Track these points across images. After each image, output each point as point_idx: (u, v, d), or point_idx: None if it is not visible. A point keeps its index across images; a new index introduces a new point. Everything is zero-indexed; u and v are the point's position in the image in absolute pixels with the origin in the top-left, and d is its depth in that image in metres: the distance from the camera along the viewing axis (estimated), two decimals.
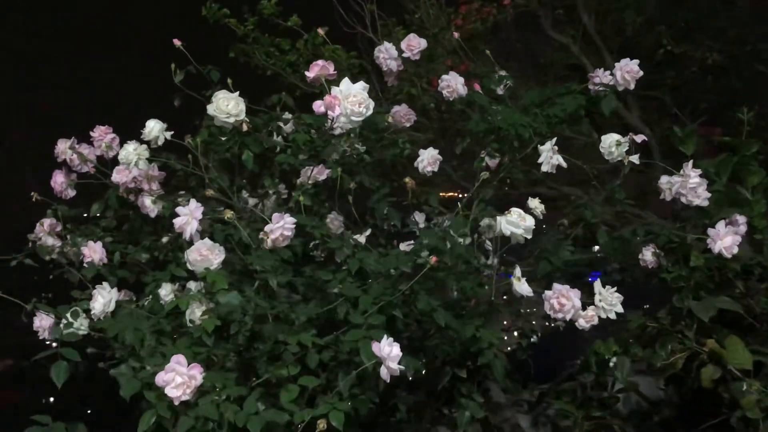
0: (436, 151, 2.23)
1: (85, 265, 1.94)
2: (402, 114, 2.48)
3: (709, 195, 1.96)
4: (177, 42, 2.13)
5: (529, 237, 1.60)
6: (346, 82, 1.58)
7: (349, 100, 1.55)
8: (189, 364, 1.27)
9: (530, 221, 1.58)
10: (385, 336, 1.36)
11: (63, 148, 2.15)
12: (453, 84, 2.11)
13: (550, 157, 1.85)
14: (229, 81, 2.05)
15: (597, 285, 1.67)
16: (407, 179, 1.83)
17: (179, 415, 1.35)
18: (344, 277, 1.73)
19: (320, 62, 1.66)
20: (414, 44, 2.23)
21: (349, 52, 4.13)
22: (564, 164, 1.89)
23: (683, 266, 2.10)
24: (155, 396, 1.36)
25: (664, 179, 1.98)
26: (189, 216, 1.57)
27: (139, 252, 2.05)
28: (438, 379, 1.91)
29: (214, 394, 1.34)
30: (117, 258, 2.12)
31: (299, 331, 1.52)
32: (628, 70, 1.99)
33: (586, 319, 1.64)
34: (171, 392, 1.25)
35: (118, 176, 2.00)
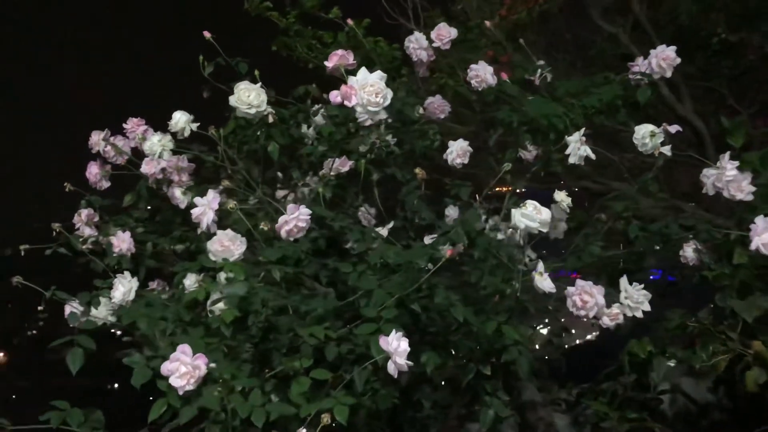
0: (466, 142, 2.18)
1: (114, 254, 1.97)
2: (436, 105, 2.44)
3: (753, 189, 1.85)
4: (207, 34, 2.13)
5: (545, 230, 1.54)
6: (363, 71, 1.55)
7: (365, 90, 1.52)
8: (197, 354, 1.27)
9: (546, 214, 1.52)
10: (394, 330, 1.33)
11: (97, 139, 2.19)
12: (482, 73, 2.05)
13: (578, 149, 1.78)
14: (256, 72, 2.05)
15: (623, 281, 1.60)
16: (417, 170, 1.79)
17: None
18: (364, 269, 1.71)
19: (339, 52, 1.64)
20: (444, 33, 2.19)
21: (392, 44, 4.10)
22: (593, 156, 1.82)
23: (726, 264, 2.00)
24: (166, 385, 1.36)
25: (705, 172, 1.89)
26: (206, 206, 1.57)
27: (168, 242, 2.07)
28: (461, 376, 1.87)
29: (219, 385, 1.33)
30: (149, 248, 2.15)
31: (312, 323, 1.50)
32: (663, 57, 1.90)
33: (610, 317, 1.57)
34: (175, 382, 1.25)
35: (147, 167, 2.03)
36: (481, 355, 1.84)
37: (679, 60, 1.92)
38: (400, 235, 2.18)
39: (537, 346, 2.07)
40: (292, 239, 1.56)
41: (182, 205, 2.11)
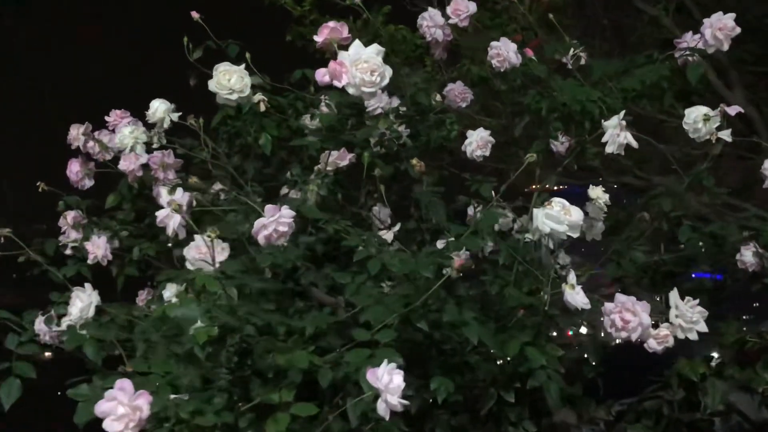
0: (487, 132, 1.92)
1: (89, 261, 1.76)
2: (457, 92, 2.18)
3: None
4: (195, 15, 1.90)
5: (575, 235, 1.27)
6: (356, 45, 1.29)
7: (358, 67, 1.27)
8: (138, 392, 1.02)
9: (577, 215, 1.25)
10: (386, 361, 1.07)
11: (76, 134, 1.98)
12: (503, 52, 1.78)
13: (616, 135, 1.50)
14: (247, 56, 1.81)
15: (673, 296, 1.31)
16: (414, 161, 1.53)
17: None
18: (365, 280, 1.46)
19: (331, 24, 1.38)
20: (461, 8, 1.92)
21: (415, 31, 3.85)
22: (635, 144, 1.53)
23: None
24: None
25: (766, 165, 1.60)
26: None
27: (157, 247, 1.85)
28: (481, 403, 1.61)
29: (175, 426, 1.09)
30: (136, 253, 1.93)
31: (296, 345, 1.26)
32: (720, 27, 1.60)
33: (658, 340, 1.29)
34: (111, 426, 1.01)
35: (125, 163, 1.80)
36: (504, 379, 1.58)
37: (739, 30, 1.62)
38: (414, 239, 1.93)
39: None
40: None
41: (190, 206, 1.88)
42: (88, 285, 1.44)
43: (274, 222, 1.26)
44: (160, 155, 1.86)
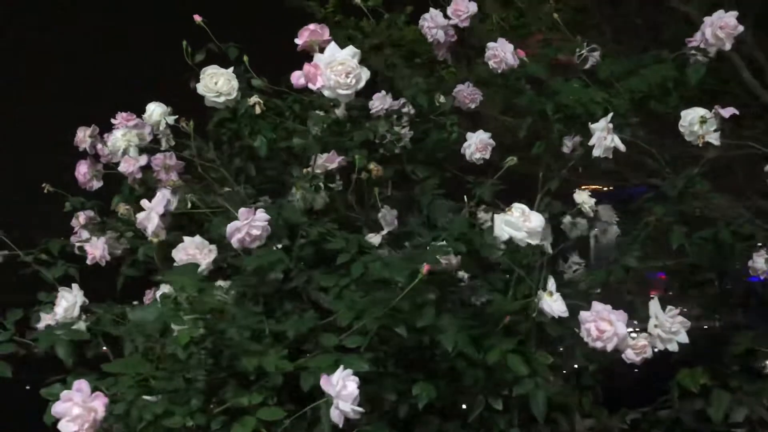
0: (487, 135, 1.89)
1: (88, 262, 1.79)
2: (465, 93, 2.15)
3: None
4: (197, 18, 1.92)
5: (535, 242, 1.23)
6: (331, 47, 1.29)
7: (333, 69, 1.26)
8: (95, 393, 1.03)
9: (536, 222, 1.21)
10: (341, 368, 1.06)
11: (83, 136, 2.01)
12: (500, 53, 1.75)
13: (603, 138, 1.45)
14: (245, 58, 1.82)
15: (653, 305, 1.27)
16: (372, 165, 1.51)
17: None
18: (348, 284, 1.45)
19: (311, 26, 1.38)
20: (461, 9, 1.89)
21: None
22: (622, 147, 1.48)
23: None
24: None
25: None
26: (151, 210, 1.35)
27: (151, 248, 1.86)
28: (470, 410, 1.58)
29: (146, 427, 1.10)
30: (141, 254, 1.96)
31: (263, 351, 1.26)
32: (721, 25, 1.54)
33: (635, 351, 1.25)
34: (66, 427, 1.02)
35: (125, 166, 1.83)
36: (492, 386, 1.55)
37: (741, 28, 1.55)
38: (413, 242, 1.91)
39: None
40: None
41: (171, 207, 1.90)
42: (75, 285, 1.47)
43: (247, 225, 1.26)
44: (161, 157, 1.89)
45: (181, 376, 1.35)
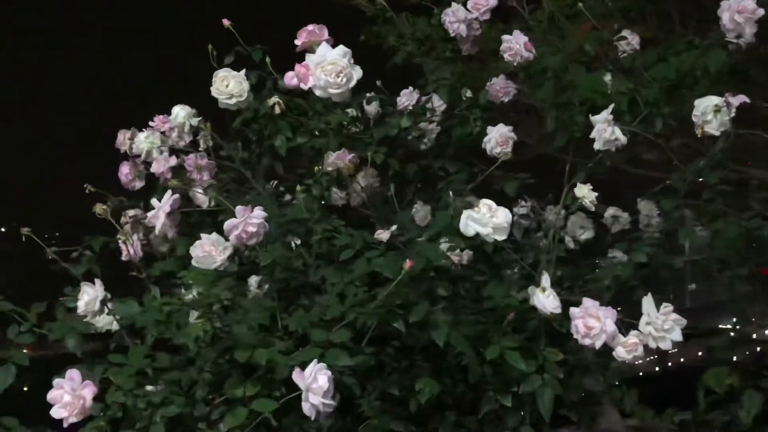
0: (508, 128, 1.86)
1: (123, 258, 1.88)
2: (498, 87, 2.13)
3: None
4: (226, 22, 1.98)
5: (501, 237, 1.21)
6: (323, 47, 1.31)
7: (323, 70, 1.28)
8: (85, 381, 1.10)
9: (503, 217, 1.19)
10: (315, 362, 1.09)
11: (122, 139, 2.12)
12: (515, 45, 1.72)
13: (603, 131, 1.41)
14: (267, 60, 1.86)
15: (646, 302, 1.22)
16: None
17: None
18: (352, 280, 1.47)
19: (310, 27, 1.41)
20: (481, 2, 1.88)
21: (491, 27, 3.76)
22: (623, 139, 1.44)
23: None
24: None
25: None
26: (159, 209, 1.41)
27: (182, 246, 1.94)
28: (480, 406, 1.57)
29: (101, 419, 1.16)
30: (182, 251, 2.05)
31: (257, 344, 1.29)
32: (739, 9, 1.47)
33: (626, 349, 1.21)
34: (57, 413, 1.10)
35: (156, 166, 1.91)
36: (501, 383, 1.54)
37: (761, 12, 1.47)
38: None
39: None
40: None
41: (204, 206, 1.98)
42: (97, 281, 1.55)
43: (243, 223, 1.30)
44: (194, 158, 1.97)
45: (180, 367, 1.41)
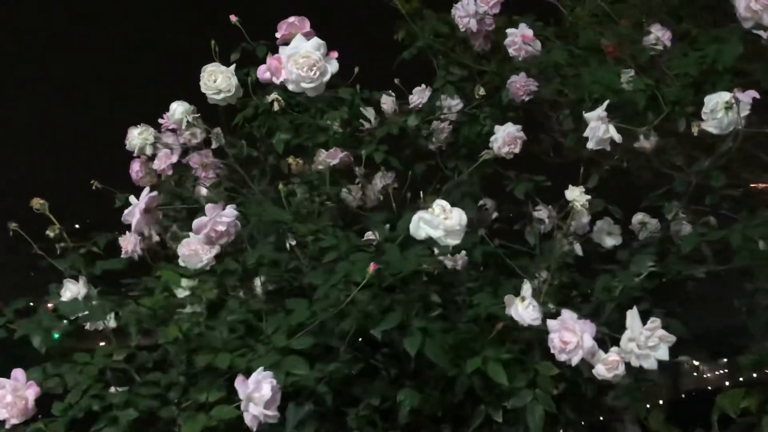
0: (516, 128, 1.76)
1: (123, 256, 1.87)
2: (519, 85, 2.03)
3: None
4: (233, 18, 1.95)
5: (455, 241, 1.11)
6: (297, 39, 1.25)
7: (295, 62, 1.22)
8: (29, 382, 1.07)
9: (457, 219, 1.10)
10: (261, 369, 1.03)
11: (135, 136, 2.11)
12: (518, 40, 1.63)
13: (596, 129, 1.30)
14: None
15: (631, 315, 1.11)
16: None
17: None
18: (337, 282, 1.41)
19: (291, 18, 1.35)
20: None
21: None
22: (617, 138, 1.32)
23: None
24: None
25: None
26: (135, 207, 1.38)
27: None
28: (471, 420, 1.49)
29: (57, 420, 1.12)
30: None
31: (219, 348, 1.25)
32: None
33: (606, 366, 1.11)
34: None
35: (158, 163, 1.90)
36: (492, 396, 1.45)
37: None
38: None
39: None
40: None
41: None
42: (81, 278, 1.54)
43: (212, 221, 1.26)
44: (198, 155, 1.95)
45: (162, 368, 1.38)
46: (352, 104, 1.73)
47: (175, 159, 1.89)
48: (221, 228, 1.27)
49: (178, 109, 1.79)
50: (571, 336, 1.09)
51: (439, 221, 1.10)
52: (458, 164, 2.01)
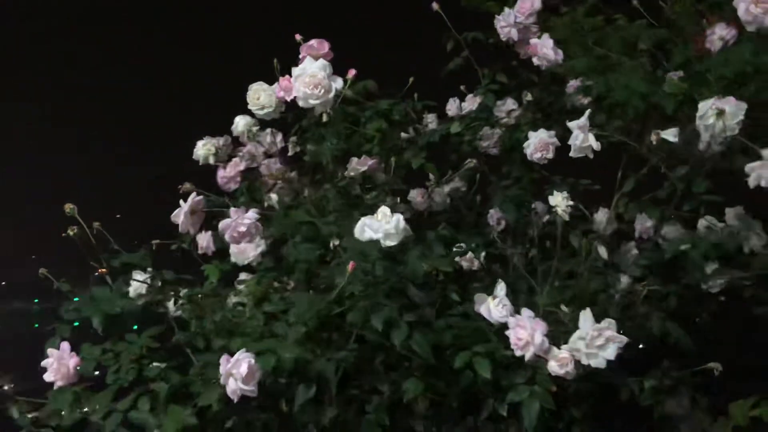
0: (548, 133, 1.80)
1: (199, 251, 2.11)
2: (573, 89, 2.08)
3: None
4: (298, 37, 2.14)
5: (392, 243, 1.19)
6: (306, 61, 1.41)
7: (303, 82, 1.38)
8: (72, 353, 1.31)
9: (394, 224, 1.17)
10: (243, 349, 1.19)
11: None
12: (540, 49, 1.68)
13: (576, 138, 1.34)
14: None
15: (584, 316, 1.15)
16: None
17: None
18: (353, 279, 1.54)
19: (312, 41, 1.51)
20: (525, 6, 1.85)
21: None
22: (596, 146, 1.35)
23: None
24: None
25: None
26: (182, 210, 1.58)
27: None
28: (479, 412, 1.57)
29: None
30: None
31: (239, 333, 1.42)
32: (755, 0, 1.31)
33: (558, 363, 1.15)
34: (47, 376, 1.31)
35: (229, 171, 2.12)
36: (495, 391, 1.52)
37: None
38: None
39: None
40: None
41: (278, 207, 2.16)
42: (149, 269, 1.78)
43: (235, 223, 1.44)
44: (267, 162, 2.16)
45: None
46: (389, 114, 1.85)
47: (243, 167, 2.11)
48: (242, 229, 1.45)
49: (241, 122, 2.01)
50: (523, 333, 1.16)
51: (379, 225, 1.21)
52: (511, 169, 2.09)
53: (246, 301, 1.74)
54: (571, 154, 1.40)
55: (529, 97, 2.03)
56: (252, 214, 1.47)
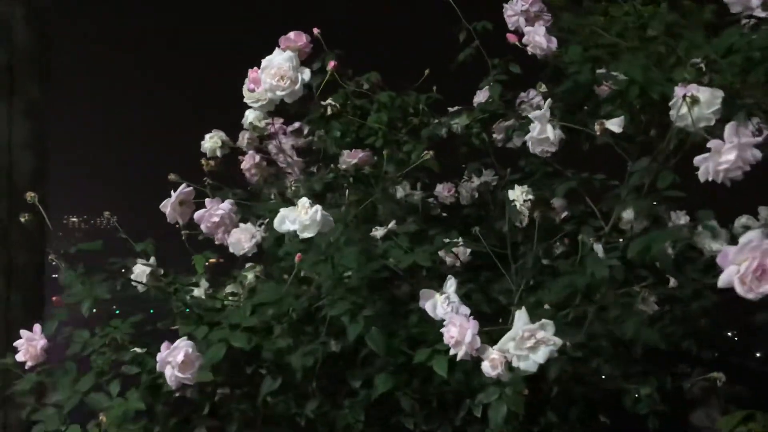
0: (551, 125, 1.72)
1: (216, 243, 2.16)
2: None
3: None
4: (316, 31, 2.15)
5: (309, 234, 1.15)
6: (275, 53, 1.41)
7: (268, 73, 1.38)
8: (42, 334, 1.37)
9: (314, 216, 1.13)
10: (185, 337, 1.20)
11: (242, 140, 2.40)
12: (532, 38, 1.60)
13: (534, 129, 1.26)
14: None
15: (519, 315, 1.08)
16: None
17: None
18: (339, 276, 1.54)
19: (291, 34, 1.51)
20: None
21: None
22: (553, 138, 1.26)
23: None
24: None
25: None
26: (170, 200, 1.62)
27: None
28: (456, 412, 1.53)
29: None
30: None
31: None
32: None
33: (490, 364, 1.09)
34: (18, 356, 1.38)
35: (245, 163, 2.16)
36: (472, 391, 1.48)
37: None
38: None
39: None
40: None
41: (294, 200, 2.18)
42: (152, 258, 1.84)
43: (208, 213, 1.47)
44: (283, 155, 2.19)
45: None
46: (390, 107, 1.83)
47: (257, 159, 2.15)
48: (215, 219, 1.47)
49: (250, 116, 2.04)
50: (455, 331, 1.11)
51: (296, 216, 1.19)
52: (525, 163, 2.02)
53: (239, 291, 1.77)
54: (532, 149, 1.33)
55: (543, 88, 1.94)
56: (226, 205, 1.49)
